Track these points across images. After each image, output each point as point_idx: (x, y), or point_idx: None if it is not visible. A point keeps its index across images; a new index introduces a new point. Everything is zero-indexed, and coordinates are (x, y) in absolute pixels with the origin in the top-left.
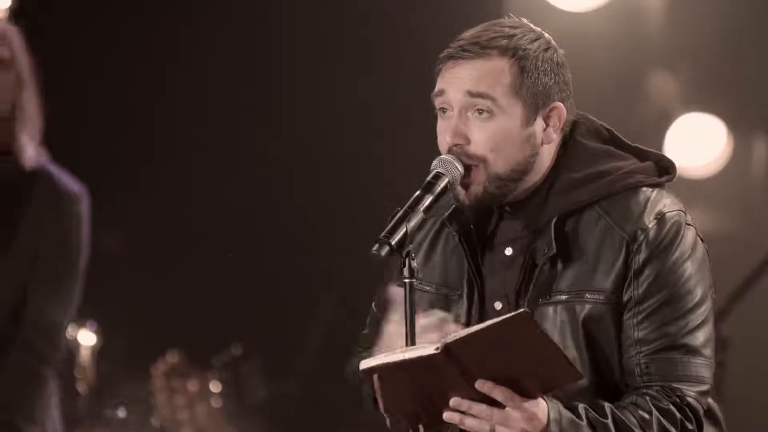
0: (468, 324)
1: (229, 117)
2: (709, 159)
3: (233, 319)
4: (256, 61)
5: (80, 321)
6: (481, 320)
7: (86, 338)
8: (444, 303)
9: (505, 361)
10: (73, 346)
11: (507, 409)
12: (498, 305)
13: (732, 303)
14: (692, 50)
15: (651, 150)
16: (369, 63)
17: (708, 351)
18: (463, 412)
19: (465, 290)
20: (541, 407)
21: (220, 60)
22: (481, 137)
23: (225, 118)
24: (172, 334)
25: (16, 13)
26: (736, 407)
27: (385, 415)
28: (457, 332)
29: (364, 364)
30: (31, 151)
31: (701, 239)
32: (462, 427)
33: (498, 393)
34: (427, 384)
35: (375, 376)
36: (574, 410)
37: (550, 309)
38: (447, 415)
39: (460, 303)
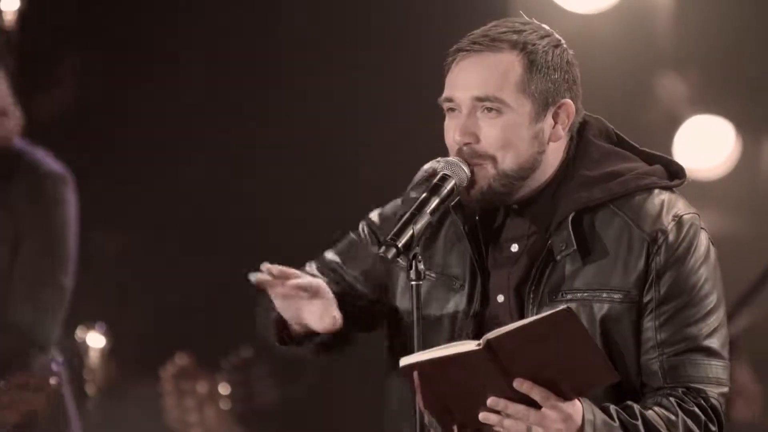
0: (467, 315)
1: (234, 117)
2: (718, 161)
3: (242, 321)
4: (257, 60)
5: (89, 323)
6: (483, 313)
7: (95, 340)
8: (444, 290)
9: (544, 359)
10: (83, 349)
11: (543, 409)
12: (500, 298)
13: (741, 305)
14: (701, 52)
15: (659, 154)
16: (372, 63)
17: (726, 353)
18: (498, 412)
19: (467, 280)
20: (577, 408)
21: (221, 59)
22: (490, 134)
23: (232, 117)
24: (181, 336)
25: (24, 14)
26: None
27: (423, 413)
28: (498, 329)
29: (405, 360)
30: (11, 133)
31: (712, 243)
32: (498, 428)
33: (536, 393)
34: (465, 383)
35: (415, 373)
36: (606, 411)
37: (563, 306)
38: (483, 416)
39: (461, 292)
